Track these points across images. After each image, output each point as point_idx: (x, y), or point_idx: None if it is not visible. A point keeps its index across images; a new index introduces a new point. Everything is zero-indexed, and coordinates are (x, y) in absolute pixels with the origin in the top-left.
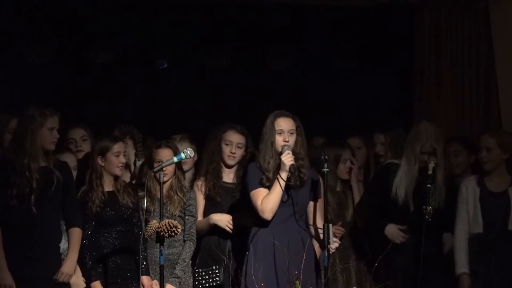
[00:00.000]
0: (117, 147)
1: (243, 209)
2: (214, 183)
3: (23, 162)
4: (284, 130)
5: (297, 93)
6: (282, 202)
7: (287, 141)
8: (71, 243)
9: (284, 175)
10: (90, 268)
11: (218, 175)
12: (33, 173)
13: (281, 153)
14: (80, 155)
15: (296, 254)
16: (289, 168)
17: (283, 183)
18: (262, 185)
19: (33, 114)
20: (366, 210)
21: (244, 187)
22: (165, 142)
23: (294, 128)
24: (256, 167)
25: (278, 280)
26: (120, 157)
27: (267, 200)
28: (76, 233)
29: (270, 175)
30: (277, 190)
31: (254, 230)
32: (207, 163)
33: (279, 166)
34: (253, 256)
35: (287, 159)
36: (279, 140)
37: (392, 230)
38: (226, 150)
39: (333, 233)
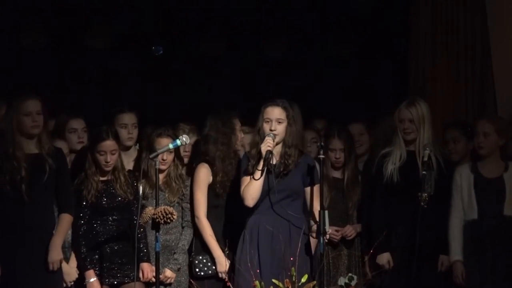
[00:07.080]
0: (101, 146)
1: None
2: None
3: (8, 151)
4: (271, 119)
5: (295, 78)
6: (269, 188)
7: (273, 130)
8: (58, 228)
9: (262, 161)
10: (84, 257)
11: None
12: (21, 162)
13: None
14: (80, 146)
15: (283, 240)
16: (266, 154)
17: (260, 170)
18: (248, 173)
19: (14, 102)
20: (371, 210)
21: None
22: (165, 130)
23: (283, 117)
24: (246, 156)
25: (272, 267)
26: (105, 156)
27: (247, 188)
28: (65, 218)
29: (253, 162)
30: (256, 177)
31: (247, 218)
32: None
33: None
34: (248, 243)
35: (264, 145)
36: (266, 128)
37: (384, 258)
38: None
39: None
